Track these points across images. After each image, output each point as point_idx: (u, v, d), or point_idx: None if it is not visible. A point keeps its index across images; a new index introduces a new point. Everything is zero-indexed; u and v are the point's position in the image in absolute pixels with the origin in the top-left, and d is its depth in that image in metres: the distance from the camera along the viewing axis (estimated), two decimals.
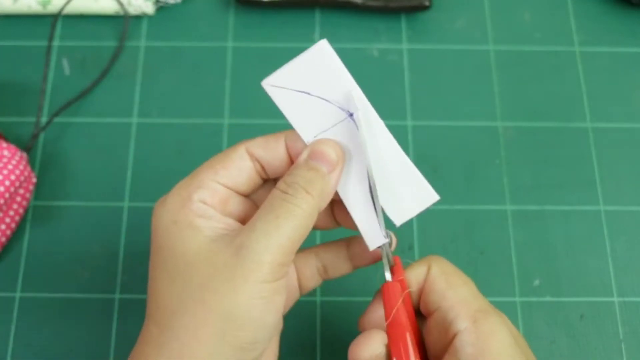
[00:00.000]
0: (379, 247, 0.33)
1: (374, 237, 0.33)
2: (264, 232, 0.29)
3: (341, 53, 0.51)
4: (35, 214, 0.46)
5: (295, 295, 0.36)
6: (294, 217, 0.30)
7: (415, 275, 0.34)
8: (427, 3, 0.51)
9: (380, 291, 0.34)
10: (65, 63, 0.51)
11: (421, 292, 0.34)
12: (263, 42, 0.52)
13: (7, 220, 0.43)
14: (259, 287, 0.29)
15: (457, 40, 0.52)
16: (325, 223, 0.36)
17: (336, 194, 0.33)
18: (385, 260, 0.34)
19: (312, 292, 0.43)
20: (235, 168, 0.33)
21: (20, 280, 0.44)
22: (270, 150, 0.33)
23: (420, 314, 0.35)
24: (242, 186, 0.33)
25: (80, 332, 0.43)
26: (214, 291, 0.29)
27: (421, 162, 0.48)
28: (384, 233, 0.33)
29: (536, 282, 0.44)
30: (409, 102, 0.50)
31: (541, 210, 0.46)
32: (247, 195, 0.34)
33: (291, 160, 0.33)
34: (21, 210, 0.44)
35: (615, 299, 0.44)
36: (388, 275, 0.34)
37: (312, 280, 0.36)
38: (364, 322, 0.35)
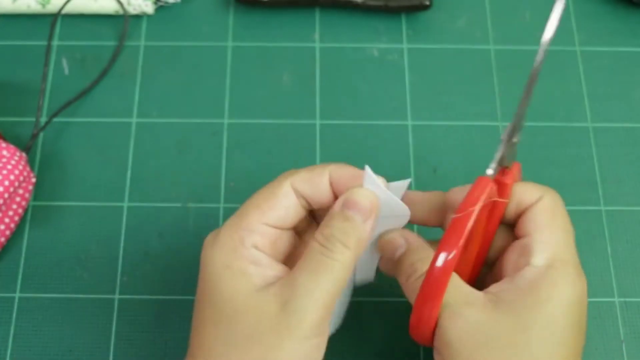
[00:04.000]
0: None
1: (366, 273, 0.37)
2: (305, 286, 0.30)
3: (341, 53, 0.51)
4: (35, 214, 0.46)
5: None
6: (332, 271, 0.31)
7: (524, 192, 0.34)
8: (427, 2, 0.51)
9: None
10: (64, 63, 0.50)
11: (521, 213, 0.34)
12: (263, 41, 0.51)
13: (6, 220, 0.43)
14: (302, 344, 0.30)
15: (458, 40, 0.52)
16: None
17: None
18: (499, 152, 0.32)
19: None
20: (282, 207, 0.33)
21: (19, 281, 0.44)
22: (314, 185, 0.34)
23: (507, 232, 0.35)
24: (289, 223, 0.34)
25: (79, 332, 0.43)
26: (259, 343, 0.30)
27: (421, 162, 0.48)
28: (374, 274, 0.37)
29: None
30: (409, 102, 0.50)
31: None
32: (292, 228, 0.35)
33: (335, 195, 0.34)
34: (20, 211, 0.44)
35: (616, 299, 0.44)
36: (490, 170, 0.32)
37: None
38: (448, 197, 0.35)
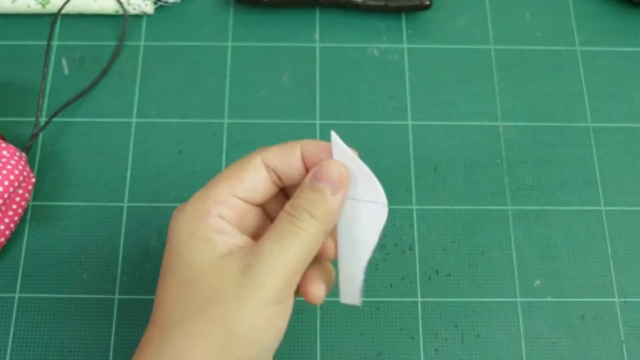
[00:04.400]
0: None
1: (350, 296, 0.35)
2: (270, 252, 0.30)
3: (341, 53, 0.51)
4: (34, 214, 0.46)
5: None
6: (299, 240, 0.31)
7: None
8: (427, 2, 0.51)
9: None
10: (64, 63, 0.50)
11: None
12: (263, 41, 0.51)
13: (6, 220, 0.43)
14: (262, 309, 0.30)
15: (458, 39, 0.52)
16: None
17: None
18: None
19: None
20: (252, 180, 0.33)
21: (19, 281, 0.44)
22: (286, 160, 0.33)
23: None
24: (258, 197, 0.33)
25: (79, 332, 0.43)
26: (218, 305, 0.30)
27: (421, 162, 0.48)
28: (360, 299, 0.35)
29: (537, 283, 0.44)
30: (409, 102, 0.50)
31: (542, 210, 0.46)
32: (262, 205, 0.35)
33: (307, 170, 0.33)
34: (20, 210, 0.44)
35: (617, 299, 0.44)
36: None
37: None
38: None
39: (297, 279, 0.31)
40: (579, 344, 0.43)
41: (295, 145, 0.33)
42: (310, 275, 0.34)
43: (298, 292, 0.36)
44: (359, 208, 0.33)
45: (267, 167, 0.33)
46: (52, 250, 0.45)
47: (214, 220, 0.32)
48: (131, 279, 0.44)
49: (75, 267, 0.44)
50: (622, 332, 0.43)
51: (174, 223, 0.33)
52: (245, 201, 0.33)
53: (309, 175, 0.32)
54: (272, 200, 0.35)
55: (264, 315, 0.30)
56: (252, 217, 0.34)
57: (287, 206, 0.32)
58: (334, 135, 0.33)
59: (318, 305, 0.36)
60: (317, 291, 0.34)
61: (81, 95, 0.49)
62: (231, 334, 0.30)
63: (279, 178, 0.34)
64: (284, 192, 0.36)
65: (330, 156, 0.33)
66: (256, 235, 0.34)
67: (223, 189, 0.33)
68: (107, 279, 0.44)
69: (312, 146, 0.33)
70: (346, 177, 0.32)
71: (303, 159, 0.33)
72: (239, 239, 0.32)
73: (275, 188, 0.34)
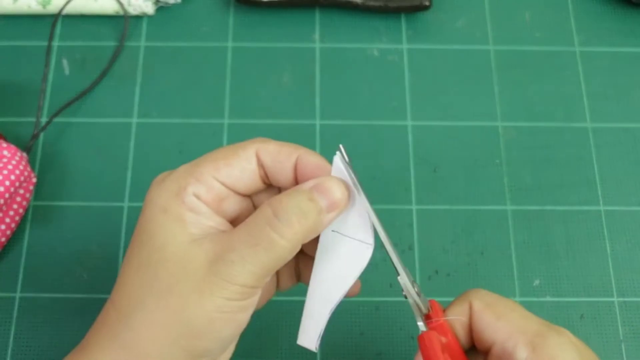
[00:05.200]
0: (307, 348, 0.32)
1: (308, 338, 0.33)
2: (241, 256, 0.29)
3: (341, 53, 0.52)
4: (35, 214, 0.46)
5: (271, 293, 0.36)
6: (274, 247, 0.29)
7: (458, 313, 0.32)
8: (427, 3, 0.51)
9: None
10: (65, 63, 0.51)
11: (470, 330, 0.32)
12: (263, 42, 0.52)
13: (7, 220, 0.43)
14: (224, 304, 0.29)
15: (458, 40, 0.52)
16: (287, 279, 0.35)
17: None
18: (416, 310, 0.32)
19: None
20: (239, 168, 0.32)
21: (20, 281, 0.44)
22: (279, 161, 0.32)
23: (476, 352, 0.32)
24: (242, 187, 0.32)
25: (80, 332, 0.42)
26: (179, 296, 0.29)
27: (421, 162, 0.48)
28: (317, 343, 0.32)
29: (536, 282, 0.44)
30: (409, 102, 0.50)
31: (541, 210, 0.46)
32: (246, 196, 0.33)
33: (295, 182, 0.32)
34: (21, 210, 0.44)
35: (616, 299, 0.44)
36: (422, 325, 0.31)
37: (290, 281, 0.36)
38: None
39: (264, 282, 0.30)
40: None
41: (294, 151, 0.32)
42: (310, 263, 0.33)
43: (299, 279, 0.36)
44: (342, 243, 0.31)
45: (259, 161, 0.32)
46: (53, 250, 0.45)
47: (190, 198, 0.31)
48: None
49: (76, 267, 0.44)
50: (621, 331, 0.43)
51: (151, 194, 0.32)
52: (227, 187, 0.32)
53: (310, 183, 0.31)
54: (263, 196, 0.34)
55: (225, 309, 0.29)
56: (233, 204, 0.32)
57: (275, 202, 0.30)
58: (337, 159, 0.31)
59: None
60: None
61: (82, 95, 0.49)
62: (189, 325, 0.29)
63: (266, 175, 0.33)
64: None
65: (325, 175, 0.31)
66: (236, 221, 0.33)
67: (207, 169, 0.31)
68: (107, 279, 0.44)
69: (310, 160, 0.32)
70: (346, 201, 0.31)
71: (296, 168, 0.32)
72: (213, 220, 0.31)
73: (261, 184, 0.33)
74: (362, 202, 0.31)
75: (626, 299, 0.44)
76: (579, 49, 0.52)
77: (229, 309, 0.29)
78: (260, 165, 0.32)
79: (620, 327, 0.43)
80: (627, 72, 0.51)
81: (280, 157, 0.32)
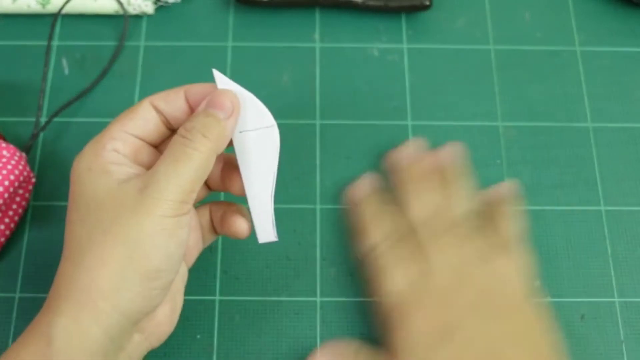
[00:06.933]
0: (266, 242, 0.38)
1: (265, 232, 0.37)
2: (165, 173, 0.32)
3: (341, 53, 0.51)
4: (35, 214, 0.46)
5: (199, 246, 0.40)
6: (191, 159, 0.33)
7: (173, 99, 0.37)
8: (427, 2, 0.51)
9: None
10: (64, 63, 0.50)
11: None
12: (263, 42, 0.51)
13: (6, 220, 0.43)
14: (161, 220, 0.32)
15: (458, 39, 0.52)
16: (215, 184, 0.39)
17: (235, 159, 0.37)
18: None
19: (312, 293, 0.43)
20: (141, 119, 0.36)
21: (19, 281, 0.44)
22: (171, 102, 0.36)
23: None
24: (150, 136, 0.36)
25: None
26: (120, 224, 0.32)
27: None
28: (275, 233, 0.38)
29: (536, 283, 0.44)
30: (409, 102, 0.50)
31: (541, 210, 0.46)
32: (156, 146, 0.37)
33: (191, 111, 0.36)
34: (20, 211, 0.44)
35: (616, 299, 0.44)
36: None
37: (209, 234, 0.40)
38: None
39: (192, 196, 0.33)
40: (579, 344, 0.43)
41: (180, 89, 0.37)
42: (227, 215, 0.38)
43: (222, 230, 0.39)
44: (252, 138, 0.36)
45: (156, 108, 0.36)
46: (53, 250, 0.45)
47: (109, 154, 0.34)
48: None
49: None
50: (621, 332, 0.43)
51: (74, 166, 0.35)
52: (138, 137, 0.36)
53: (203, 104, 0.35)
54: (167, 142, 0.38)
55: (163, 226, 0.32)
56: (147, 154, 0.36)
57: (181, 129, 0.34)
58: (216, 72, 0.36)
59: (245, 238, 0.39)
60: (239, 226, 0.38)
61: (81, 95, 0.49)
62: (135, 246, 0.32)
63: (167, 119, 0.37)
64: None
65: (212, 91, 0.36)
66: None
67: (115, 127, 0.35)
68: None
69: (196, 89, 0.36)
70: (237, 104, 0.35)
71: (188, 102, 0.36)
72: (135, 168, 0.35)
73: (166, 130, 0.37)
74: (248, 97, 0.36)
75: (627, 299, 0.44)
76: (579, 49, 0.52)
77: (166, 224, 0.32)
78: (159, 111, 0.36)
79: (621, 328, 0.43)
80: (628, 72, 0.51)
81: (170, 97, 0.36)
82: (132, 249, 0.32)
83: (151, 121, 0.36)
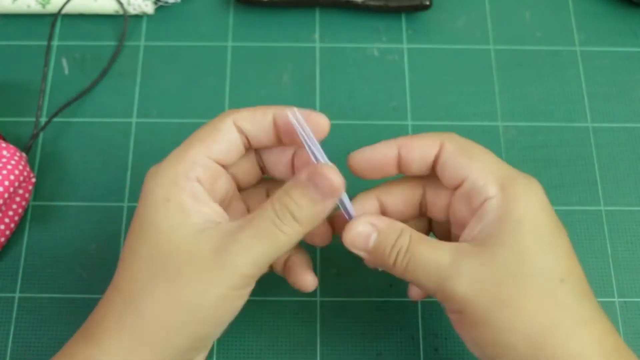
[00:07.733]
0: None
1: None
2: (246, 247, 0.31)
3: (341, 53, 0.51)
4: (35, 214, 0.46)
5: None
6: (276, 240, 0.31)
7: (427, 146, 0.35)
8: (427, 2, 0.51)
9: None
10: (64, 63, 0.50)
11: (432, 167, 0.35)
12: (263, 41, 0.51)
13: (6, 220, 0.43)
14: (227, 292, 0.31)
15: (458, 39, 0.52)
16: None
17: None
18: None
19: (312, 293, 0.43)
20: (225, 141, 0.33)
21: (19, 281, 0.44)
22: (257, 124, 0.34)
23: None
24: (229, 160, 0.34)
25: None
26: (186, 285, 0.30)
27: None
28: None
29: None
30: (409, 102, 0.50)
31: None
32: (230, 167, 0.35)
33: (277, 135, 0.34)
34: (20, 211, 0.44)
35: (616, 299, 0.44)
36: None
37: None
38: None
39: (264, 271, 0.32)
40: None
41: (267, 110, 0.34)
42: (295, 265, 0.36)
43: (283, 272, 0.38)
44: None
45: (238, 129, 0.34)
46: (53, 250, 0.45)
47: (191, 184, 0.32)
48: None
49: (76, 267, 0.44)
50: (621, 332, 0.43)
51: (148, 185, 0.33)
52: (219, 163, 0.33)
53: (304, 174, 0.32)
54: (242, 164, 0.36)
55: (227, 297, 0.31)
56: (223, 182, 0.34)
57: (275, 202, 0.31)
58: (291, 113, 0.33)
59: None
60: (307, 282, 0.36)
61: (81, 95, 0.49)
62: (194, 312, 0.31)
63: (248, 141, 0.34)
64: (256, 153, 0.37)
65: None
66: (224, 202, 0.35)
67: (199, 149, 0.33)
68: (107, 279, 0.44)
69: (285, 114, 0.33)
70: (341, 185, 0.32)
71: (275, 124, 0.34)
72: (212, 208, 0.32)
73: (243, 150, 0.35)
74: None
75: (627, 300, 0.44)
76: (579, 49, 0.52)
77: (231, 297, 0.31)
78: (241, 132, 0.34)
79: (621, 328, 0.43)
80: (628, 72, 0.51)
81: (257, 118, 0.34)
82: (191, 314, 0.31)
83: (234, 144, 0.34)
